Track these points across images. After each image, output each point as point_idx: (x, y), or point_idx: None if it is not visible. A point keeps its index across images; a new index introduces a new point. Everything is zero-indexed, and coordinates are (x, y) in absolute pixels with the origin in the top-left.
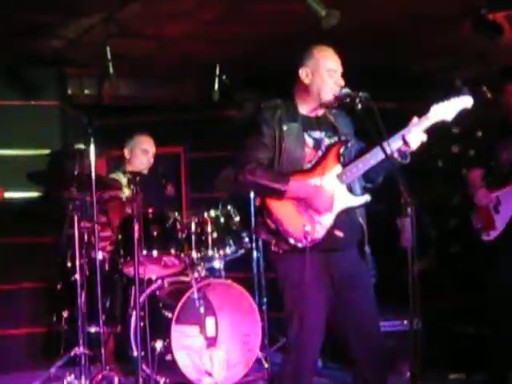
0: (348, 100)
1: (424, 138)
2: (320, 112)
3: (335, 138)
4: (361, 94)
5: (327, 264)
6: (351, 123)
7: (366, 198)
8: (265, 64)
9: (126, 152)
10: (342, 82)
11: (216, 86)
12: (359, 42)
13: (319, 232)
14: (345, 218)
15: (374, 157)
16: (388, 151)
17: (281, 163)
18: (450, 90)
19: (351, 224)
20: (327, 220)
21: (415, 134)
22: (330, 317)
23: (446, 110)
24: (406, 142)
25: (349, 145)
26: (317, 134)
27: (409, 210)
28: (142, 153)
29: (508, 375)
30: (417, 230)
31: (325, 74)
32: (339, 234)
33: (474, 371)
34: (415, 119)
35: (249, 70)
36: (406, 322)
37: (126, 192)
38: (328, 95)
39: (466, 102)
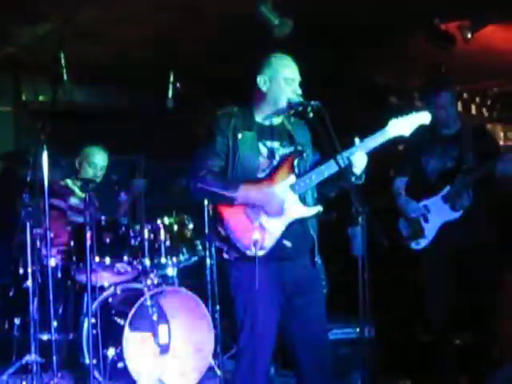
0: (300, 108)
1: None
2: (277, 120)
3: (291, 148)
4: (312, 102)
5: (278, 272)
6: (309, 133)
7: (318, 208)
8: (221, 69)
9: (76, 162)
10: (300, 91)
11: (170, 93)
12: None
13: (268, 241)
14: (295, 228)
15: (328, 169)
16: (341, 163)
17: (234, 172)
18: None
19: (302, 234)
20: (277, 229)
21: (361, 155)
22: (279, 325)
23: (404, 125)
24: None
25: (304, 155)
26: (272, 144)
27: (360, 219)
28: (89, 166)
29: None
30: (369, 238)
31: (282, 83)
32: (287, 243)
33: (426, 378)
34: (357, 140)
35: (205, 75)
36: (358, 329)
37: (72, 200)
38: (284, 104)
39: (424, 117)
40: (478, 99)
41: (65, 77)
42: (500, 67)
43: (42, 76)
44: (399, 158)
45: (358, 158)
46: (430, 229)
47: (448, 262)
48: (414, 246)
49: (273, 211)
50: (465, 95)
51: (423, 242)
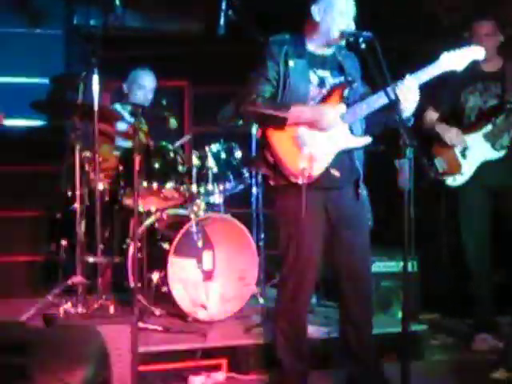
0: (352, 39)
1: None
2: (329, 51)
3: (341, 78)
4: (364, 33)
5: (324, 200)
6: (359, 66)
7: (367, 139)
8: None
9: (125, 86)
10: (353, 25)
11: (222, 20)
12: None
13: (316, 170)
14: (343, 158)
15: (378, 100)
16: (392, 96)
17: (284, 99)
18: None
19: (349, 165)
20: (325, 158)
21: (413, 88)
22: (324, 253)
23: (457, 59)
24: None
25: (354, 86)
26: (323, 73)
27: (407, 151)
28: (139, 88)
29: (495, 320)
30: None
31: (336, 14)
32: (336, 173)
33: (466, 314)
34: (408, 75)
35: (257, 3)
36: (401, 263)
37: (120, 125)
38: (336, 35)
39: (477, 52)
40: None
41: (117, 1)
42: None
43: (94, 0)
44: (436, 90)
45: (410, 91)
46: (468, 166)
47: (485, 201)
48: (450, 182)
49: (328, 125)
50: None
51: (460, 179)
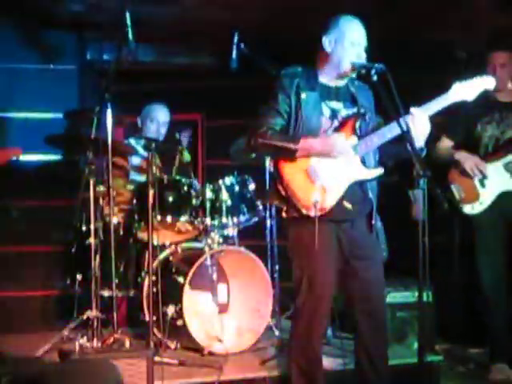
0: (364, 71)
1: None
2: (341, 82)
3: (353, 110)
4: (376, 65)
5: (337, 232)
6: (372, 97)
7: (380, 171)
8: (283, 31)
9: (139, 120)
10: (364, 56)
11: (234, 54)
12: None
13: (328, 202)
14: (355, 190)
15: (390, 131)
16: (404, 126)
17: (296, 131)
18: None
19: (362, 197)
20: (337, 190)
21: (423, 119)
22: (338, 284)
23: (468, 89)
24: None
25: (366, 117)
26: (335, 104)
27: (421, 182)
28: (152, 122)
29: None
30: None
31: (347, 45)
32: (348, 205)
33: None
34: (413, 108)
35: (267, 37)
36: (416, 293)
37: (134, 159)
38: (348, 66)
39: (488, 82)
40: None
41: (130, 36)
42: None
43: (107, 35)
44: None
45: (420, 122)
46: (487, 195)
47: (502, 230)
48: (468, 210)
49: (342, 152)
50: None
51: (478, 208)
